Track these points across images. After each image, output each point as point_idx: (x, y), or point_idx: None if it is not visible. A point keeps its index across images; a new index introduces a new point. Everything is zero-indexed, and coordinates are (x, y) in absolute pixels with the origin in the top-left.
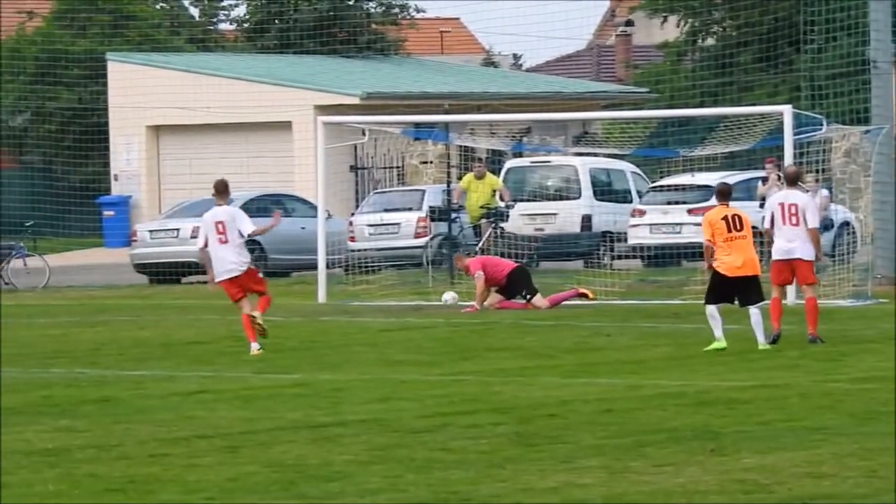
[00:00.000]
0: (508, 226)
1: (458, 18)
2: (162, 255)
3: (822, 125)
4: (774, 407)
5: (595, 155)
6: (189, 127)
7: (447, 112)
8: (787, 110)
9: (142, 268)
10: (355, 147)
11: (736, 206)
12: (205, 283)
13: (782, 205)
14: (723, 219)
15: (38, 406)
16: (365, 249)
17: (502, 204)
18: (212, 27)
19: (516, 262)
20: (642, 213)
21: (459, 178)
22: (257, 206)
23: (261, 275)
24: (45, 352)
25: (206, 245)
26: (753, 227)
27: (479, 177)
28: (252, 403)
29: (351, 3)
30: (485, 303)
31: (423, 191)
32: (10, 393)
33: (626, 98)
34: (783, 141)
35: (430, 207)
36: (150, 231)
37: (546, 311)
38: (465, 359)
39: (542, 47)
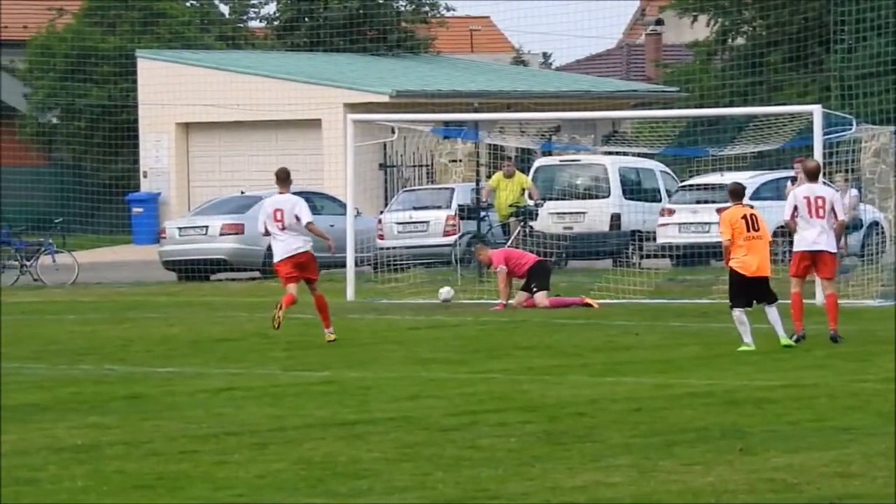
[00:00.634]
0: (537, 224)
1: (488, 17)
2: (191, 252)
3: (851, 125)
4: (803, 406)
5: (624, 154)
6: (218, 124)
7: (476, 110)
8: (816, 110)
9: (170, 265)
10: (384, 145)
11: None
12: (233, 280)
13: (808, 198)
14: (742, 217)
15: (66, 402)
16: (394, 247)
17: (531, 202)
18: (242, 25)
19: (540, 257)
20: (671, 212)
21: (488, 177)
22: None
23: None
24: (74, 348)
25: (266, 232)
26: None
27: (509, 175)
28: (281, 401)
29: (381, 1)
30: (511, 301)
31: (453, 189)
32: (39, 389)
33: (655, 97)
34: (812, 141)
35: (459, 206)
36: (179, 228)
37: (543, 310)
38: (494, 357)
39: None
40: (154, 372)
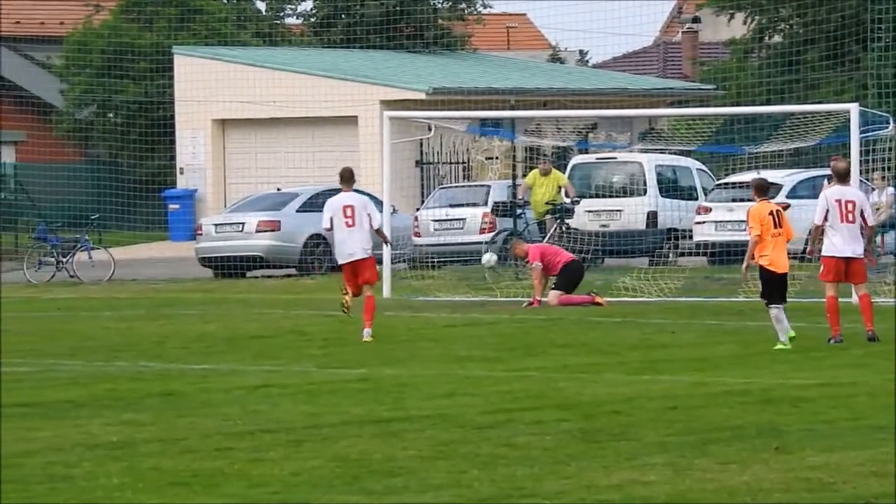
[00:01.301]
0: (573, 222)
1: (524, 14)
2: (227, 248)
3: (888, 123)
4: (839, 405)
5: (661, 151)
6: (255, 121)
7: (513, 108)
8: (853, 108)
9: (206, 261)
10: (421, 142)
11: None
12: (269, 277)
13: (839, 201)
14: (769, 214)
15: (102, 399)
16: (430, 244)
17: (567, 200)
18: (278, 22)
19: (574, 255)
20: (708, 210)
21: (525, 175)
22: (322, 201)
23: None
24: (110, 345)
25: (331, 227)
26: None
27: (545, 173)
28: (316, 398)
29: None
30: (545, 298)
31: (489, 186)
32: (74, 386)
33: (692, 95)
34: (849, 139)
35: (496, 203)
36: (216, 225)
37: (552, 307)
38: (530, 355)
39: (609, 44)
40: (189, 369)
